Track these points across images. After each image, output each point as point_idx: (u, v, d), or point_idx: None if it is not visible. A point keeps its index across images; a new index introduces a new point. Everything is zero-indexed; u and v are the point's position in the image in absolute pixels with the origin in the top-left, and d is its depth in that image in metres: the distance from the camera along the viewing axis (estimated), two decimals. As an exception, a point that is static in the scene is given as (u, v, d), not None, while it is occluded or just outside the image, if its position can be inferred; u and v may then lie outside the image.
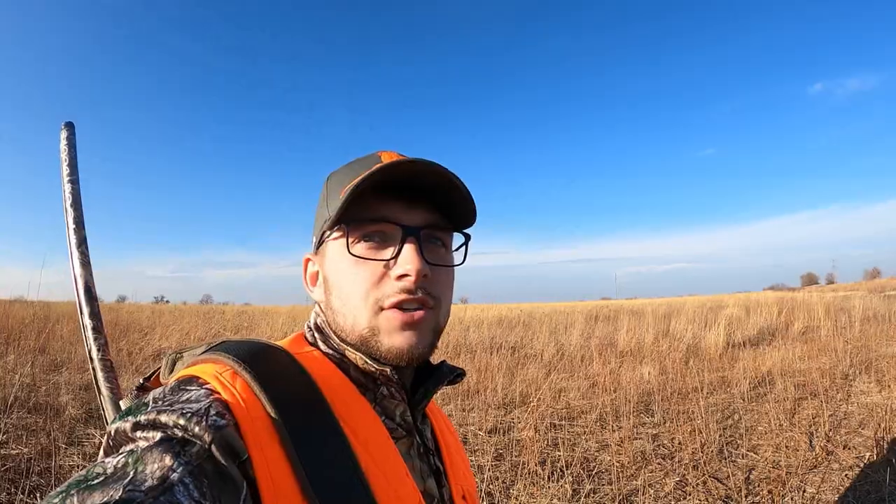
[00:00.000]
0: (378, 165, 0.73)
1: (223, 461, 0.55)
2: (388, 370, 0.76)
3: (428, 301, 0.76)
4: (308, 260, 0.87)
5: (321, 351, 0.79)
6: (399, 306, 0.74)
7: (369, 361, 0.76)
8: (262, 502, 0.56)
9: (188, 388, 0.62)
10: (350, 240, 0.75)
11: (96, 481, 0.50)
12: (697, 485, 3.98)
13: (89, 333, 1.12)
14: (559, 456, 4.65)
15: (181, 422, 0.56)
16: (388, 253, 0.75)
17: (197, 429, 0.55)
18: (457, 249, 0.86)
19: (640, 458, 4.64)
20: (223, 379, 0.63)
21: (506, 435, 5.36)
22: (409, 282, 0.74)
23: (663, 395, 6.71)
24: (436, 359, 0.88)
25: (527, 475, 4.15)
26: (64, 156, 1.20)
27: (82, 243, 1.16)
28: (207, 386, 0.63)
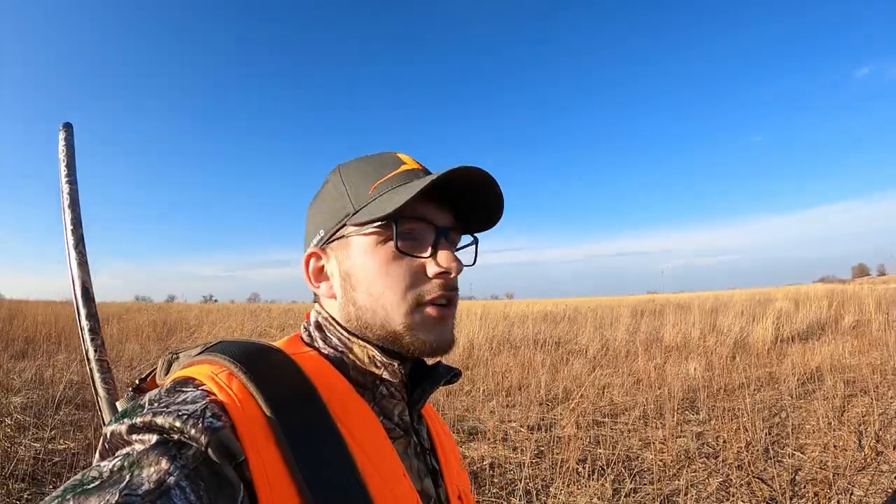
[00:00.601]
0: (450, 169, 0.73)
1: (219, 463, 0.55)
2: (395, 364, 0.77)
3: (455, 298, 0.80)
4: (313, 255, 0.85)
5: (319, 351, 0.79)
6: (435, 302, 0.77)
7: (378, 356, 0.77)
8: (259, 502, 0.56)
9: (184, 389, 0.62)
10: (385, 236, 0.76)
11: (92, 485, 0.51)
12: (741, 486, 3.95)
13: (86, 334, 1.11)
14: (601, 454, 4.64)
15: (177, 424, 0.56)
16: (427, 251, 0.77)
17: (193, 431, 0.55)
18: (458, 249, 0.87)
19: (683, 456, 4.61)
20: (219, 380, 0.63)
21: (548, 432, 5.37)
22: (448, 279, 0.77)
23: (709, 392, 6.64)
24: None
25: (566, 473, 4.15)
26: (62, 156, 1.20)
27: (80, 243, 1.16)
28: (203, 387, 0.62)
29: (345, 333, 0.79)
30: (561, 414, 5.93)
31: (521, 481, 3.98)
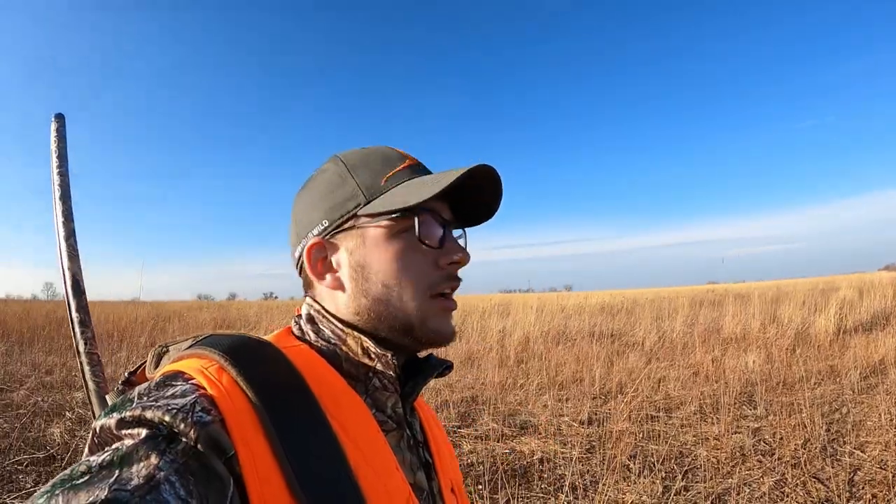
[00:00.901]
0: (472, 166, 0.75)
1: (209, 458, 0.55)
2: (389, 355, 0.77)
3: (457, 288, 0.82)
4: (315, 245, 0.82)
5: (310, 344, 0.79)
6: (444, 292, 0.79)
7: (372, 347, 0.77)
8: (249, 498, 0.56)
9: (174, 383, 0.62)
10: (400, 227, 0.78)
11: (81, 480, 0.50)
12: (797, 485, 3.88)
13: (76, 327, 1.08)
14: (653, 449, 4.63)
15: (167, 418, 0.55)
16: (436, 243, 0.79)
17: (182, 425, 0.55)
18: None
19: (738, 453, 4.56)
20: (209, 374, 0.63)
21: (600, 426, 5.37)
22: (456, 269, 0.80)
23: (767, 386, 6.51)
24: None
25: (617, 469, 4.16)
26: (54, 147, 1.18)
27: (71, 236, 1.12)
28: (193, 381, 0.62)
29: (338, 325, 0.79)
30: (614, 408, 5.91)
31: (570, 476, 4.01)
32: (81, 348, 1.07)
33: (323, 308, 0.81)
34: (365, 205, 0.78)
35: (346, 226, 0.80)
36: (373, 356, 0.77)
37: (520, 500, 3.82)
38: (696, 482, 4.02)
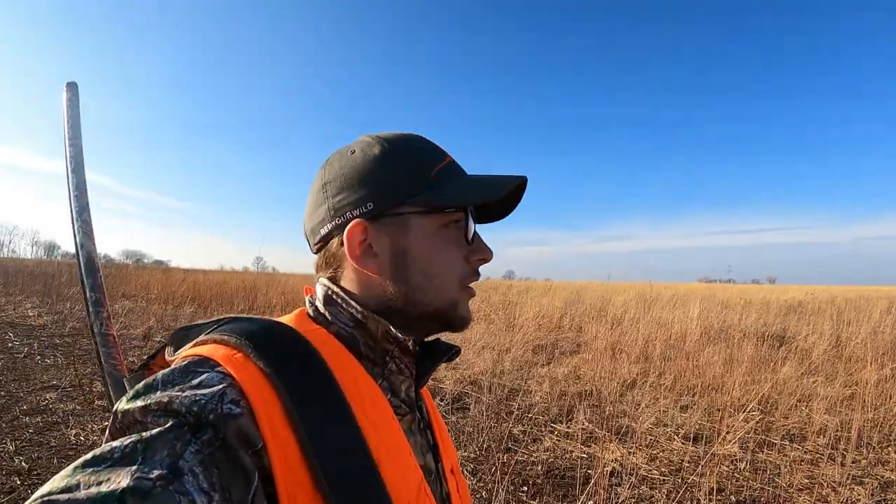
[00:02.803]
0: (517, 178, 0.80)
1: (236, 451, 0.55)
2: (410, 341, 0.79)
3: None
4: (360, 226, 0.78)
5: (327, 328, 0.78)
6: (469, 284, 0.83)
7: (393, 331, 0.77)
8: (276, 490, 0.56)
9: (199, 370, 0.61)
10: (445, 222, 0.80)
11: (103, 465, 0.50)
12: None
13: (91, 307, 1.05)
14: (746, 486, 3.99)
15: (194, 408, 0.55)
16: (470, 239, 0.82)
17: (211, 416, 0.55)
18: None
19: (847, 509, 3.76)
20: (235, 361, 0.62)
21: (704, 445, 4.83)
22: (481, 265, 0.84)
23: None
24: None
25: (687, 501, 3.72)
26: (66, 118, 1.15)
27: (84, 210, 1.09)
28: (219, 369, 0.61)
29: (359, 308, 0.78)
30: (731, 425, 5.20)
31: (626, 496, 3.68)
32: (96, 329, 1.04)
33: (342, 290, 0.81)
34: (416, 195, 0.78)
35: (394, 212, 0.79)
36: (392, 340, 0.78)
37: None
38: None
